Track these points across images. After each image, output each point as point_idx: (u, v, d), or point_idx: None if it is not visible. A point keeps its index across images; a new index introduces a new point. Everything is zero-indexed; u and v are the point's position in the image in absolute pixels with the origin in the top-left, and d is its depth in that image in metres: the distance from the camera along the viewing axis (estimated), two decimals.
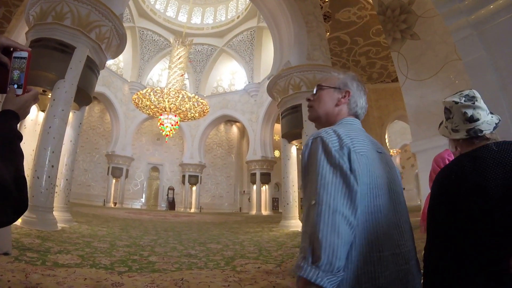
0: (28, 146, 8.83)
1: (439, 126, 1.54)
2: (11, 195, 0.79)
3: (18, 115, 0.95)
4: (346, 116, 1.28)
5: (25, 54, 0.97)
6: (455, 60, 9.14)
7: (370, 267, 0.98)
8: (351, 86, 1.30)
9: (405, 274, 1.05)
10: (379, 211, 1.04)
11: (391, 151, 24.42)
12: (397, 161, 31.17)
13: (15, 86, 0.95)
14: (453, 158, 2.23)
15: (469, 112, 1.33)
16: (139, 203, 29.50)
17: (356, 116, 1.31)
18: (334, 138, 1.05)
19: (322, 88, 1.32)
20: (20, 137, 0.93)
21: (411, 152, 14.28)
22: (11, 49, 0.97)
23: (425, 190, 9.26)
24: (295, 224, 11.87)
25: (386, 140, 22.93)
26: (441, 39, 9.51)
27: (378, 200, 1.05)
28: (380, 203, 1.05)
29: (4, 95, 0.95)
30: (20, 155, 0.90)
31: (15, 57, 0.96)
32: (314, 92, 1.35)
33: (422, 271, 1.23)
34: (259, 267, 5.06)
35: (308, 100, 1.36)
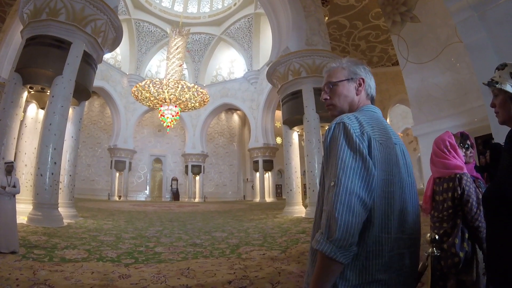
0: (30, 144, 8.87)
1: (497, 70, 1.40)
2: None
3: None
4: (365, 101, 1.31)
5: None
6: (456, 42, 9.05)
7: (379, 246, 1.06)
8: (360, 72, 1.31)
9: (402, 258, 1.12)
10: (392, 197, 1.10)
11: None
12: None
13: None
14: (453, 140, 2.22)
15: None
16: (143, 195, 29.68)
17: (372, 98, 1.34)
18: (356, 125, 1.10)
19: (336, 84, 1.31)
20: None
21: (413, 136, 14.27)
22: None
23: (427, 173, 9.27)
24: (299, 210, 11.92)
25: None
26: (442, 21, 9.39)
27: (392, 187, 1.10)
28: (393, 190, 1.11)
29: None
30: None
31: None
32: (327, 90, 1.33)
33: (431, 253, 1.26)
34: (264, 254, 5.11)
35: (325, 99, 1.34)
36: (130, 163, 27.66)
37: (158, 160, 31.32)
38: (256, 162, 26.33)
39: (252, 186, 29.17)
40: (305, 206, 11.75)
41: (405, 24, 10.67)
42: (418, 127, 10.33)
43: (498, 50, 5.33)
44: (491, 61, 5.37)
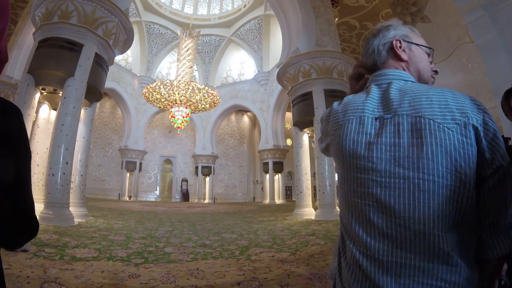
0: (42, 144, 8.99)
1: None
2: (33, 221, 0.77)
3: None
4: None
5: None
6: (467, 42, 8.92)
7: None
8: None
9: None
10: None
11: None
12: None
13: None
14: None
15: None
16: (153, 196, 29.87)
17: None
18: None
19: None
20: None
21: None
22: None
23: None
24: (309, 212, 11.84)
25: None
26: (453, 21, 9.26)
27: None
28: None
29: None
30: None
31: None
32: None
33: None
34: (273, 256, 5.09)
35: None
36: (140, 163, 27.83)
37: (168, 161, 31.51)
38: (266, 164, 26.26)
39: (262, 188, 29.14)
40: (315, 208, 11.67)
41: (416, 24, 10.56)
42: None
43: (510, 51, 5.23)
44: (503, 61, 5.27)
